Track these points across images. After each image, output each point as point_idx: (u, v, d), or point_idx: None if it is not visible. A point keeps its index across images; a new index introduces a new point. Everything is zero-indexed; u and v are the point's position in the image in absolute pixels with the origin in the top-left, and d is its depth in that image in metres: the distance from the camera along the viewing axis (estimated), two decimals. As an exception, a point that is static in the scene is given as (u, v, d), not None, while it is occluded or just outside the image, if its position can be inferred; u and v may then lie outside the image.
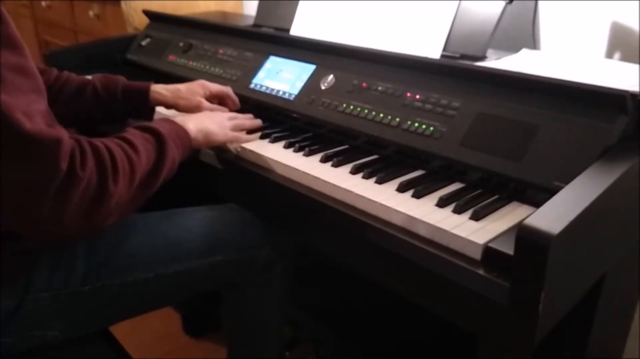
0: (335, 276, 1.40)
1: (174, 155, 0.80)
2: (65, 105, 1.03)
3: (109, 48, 1.58)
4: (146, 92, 1.07)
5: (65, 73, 1.09)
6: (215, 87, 1.09)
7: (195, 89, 1.07)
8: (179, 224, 0.93)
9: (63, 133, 0.63)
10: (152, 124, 0.81)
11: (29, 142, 0.60)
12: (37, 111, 0.63)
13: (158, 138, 0.79)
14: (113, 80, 1.08)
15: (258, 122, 1.04)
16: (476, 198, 0.75)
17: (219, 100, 1.11)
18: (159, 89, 1.07)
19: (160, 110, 1.11)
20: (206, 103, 1.05)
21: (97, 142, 0.69)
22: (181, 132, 0.85)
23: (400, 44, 1.06)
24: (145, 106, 1.07)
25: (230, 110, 1.08)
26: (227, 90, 1.11)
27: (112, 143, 0.71)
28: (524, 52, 1.06)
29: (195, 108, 1.04)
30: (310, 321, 1.41)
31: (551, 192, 0.63)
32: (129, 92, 1.07)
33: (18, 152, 0.60)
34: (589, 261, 0.68)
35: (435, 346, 1.21)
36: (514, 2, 0.99)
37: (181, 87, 1.08)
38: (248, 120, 1.03)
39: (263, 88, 1.13)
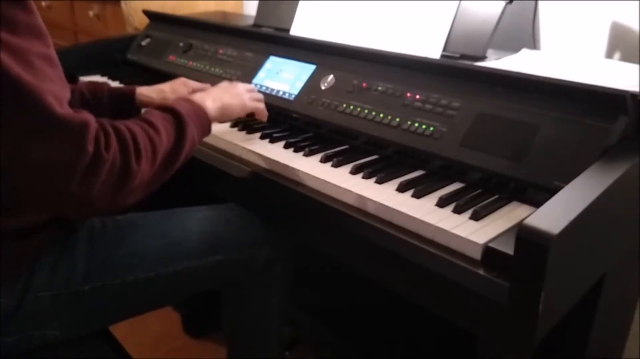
0: (335, 276, 1.40)
1: (193, 133, 0.82)
2: None
3: (109, 48, 1.58)
4: (132, 95, 1.11)
5: None
6: (196, 85, 1.15)
7: (178, 87, 1.13)
8: (179, 224, 0.93)
9: (90, 117, 0.66)
10: (172, 104, 0.83)
11: (59, 125, 0.62)
12: (65, 97, 0.65)
13: (177, 117, 0.80)
14: (99, 86, 1.12)
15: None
16: (476, 198, 0.75)
17: None
18: (145, 91, 1.12)
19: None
20: None
21: (120, 124, 0.71)
22: (199, 110, 0.86)
23: (400, 44, 1.06)
24: (131, 109, 1.11)
25: None
26: (207, 86, 1.13)
27: (134, 124, 0.73)
28: (524, 52, 1.06)
29: None
30: (310, 321, 1.41)
31: (551, 192, 0.63)
32: (115, 96, 1.11)
33: (49, 133, 0.62)
34: (589, 261, 0.68)
35: (435, 346, 1.21)
36: (514, 2, 0.99)
37: (164, 86, 1.13)
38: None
39: (263, 88, 1.13)
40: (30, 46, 0.62)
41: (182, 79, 1.15)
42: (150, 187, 0.75)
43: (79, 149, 0.63)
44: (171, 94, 1.11)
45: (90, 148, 0.64)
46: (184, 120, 0.80)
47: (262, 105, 1.01)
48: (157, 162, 0.74)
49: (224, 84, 1.00)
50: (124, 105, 1.11)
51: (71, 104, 0.67)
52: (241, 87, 1.00)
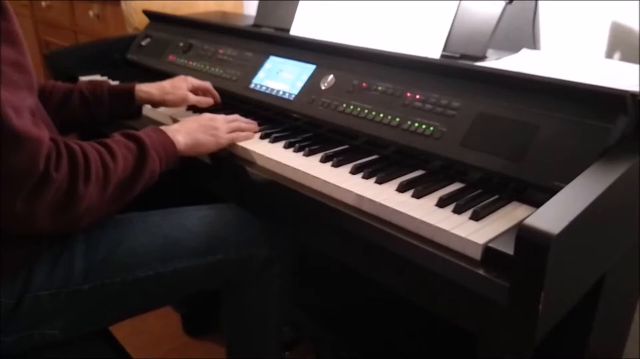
0: (335, 276, 1.40)
1: (154, 167, 0.81)
2: (54, 113, 1.03)
3: (109, 48, 1.58)
4: (131, 92, 1.10)
5: (51, 82, 1.12)
6: (196, 81, 1.15)
7: (179, 84, 1.13)
8: (179, 223, 0.93)
9: (45, 134, 0.65)
10: (139, 133, 0.83)
11: (15, 137, 0.61)
12: (27, 107, 0.65)
13: (140, 147, 0.79)
14: (98, 84, 1.12)
15: (255, 126, 1.04)
16: (476, 198, 0.75)
17: (203, 92, 1.17)
18: (145, 88, 1.11)
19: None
20: (192, 96, 1.12)
21: (75, 145, 0.71)
22: (168, 143, 0.86)
23: (400, 44, 1.06)
24: (131, 106, 1.11)
25: (213, 105, 1.15)
26: (207, 84, 1.16)
27: (90, 147, 0.73)
28: (524, 52, 1.06)
29: (182, 102, 1.11)
30: (310, 321, 1.41)
31: (551, 192, 0.63)
32: (115, 93, 1.11)
33: (4, 145, 0.61)
34: (589, 261, 0.68)
35: (436, 346, 1.21)
36: (514, 2, 0.99)
37: (165, 83, 1.13)
38: (245, 123, 1.03)
39: (263, 88, 1.13)
40: (1, 53, 0.62)
41: (182, 76, 1.15)
42: (102, 213, 0.75)
43: (30, 165, 0.63)
44: (172, 89, 1.11)
45: (41, 166, 0.63)
46: (146, 151, 0.79)
47: (240, 134, 0.99)
48: (108, 189, 0.73)
49: (204, 117, 0.97)
50: (124, 103, 1.11)
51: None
52: (220, 120, 0.97)
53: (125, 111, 1.12)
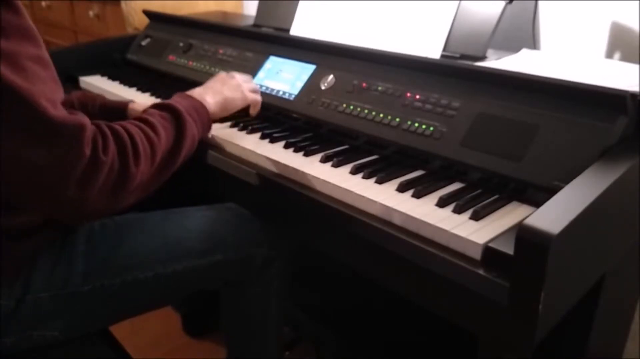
0: (335, 276, 1.40)
1: (193, 131, 0.81)
2: None
3: (109, 48, 1.58)
4: (124, 109, 1.08)
5: None
6: None
7: None
8: (178, 223, 0.93)
9: (85, 119, 0.65)
10: (170, 101, 0.82)
11: (54, 128, 0.61)
12: (58, 99, 0.65)
13: (176, 115, 0.79)
14: (91, 98, 1.10)
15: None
16: (476, 198, 0.75)
17: None
18: (139, 107, 1.07)
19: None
20: None
21: (117, 125, 0.71)
22: (199, 106, 0.86)
23: (400, 44, 1.06)
24: None
25: None
26: None
27: (131, 125, 0.73)
28: (524, 52, 1.06)
29: None
30: (310, 321, 1.41)
31: (551, 192, 0.63)
32: (107, 110, 1.09)
33: (44, 137, 0.61)
34: (589, 261, 0.68)
35: (436, 346, 1.21)
36: (514, 2, 0.99)
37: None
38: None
39: (263, 88, 1.13)
40: (21, 49, 0.62)
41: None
42: (150, 187, 0.75)
43: (75, 152, 0.62)
44: None
45: (87, 151, 0.63)
46: (183, 118, 0.79)
47: (259, 97, 1.01)
48: (156, 162, 0.73)
49: (222, 76, 0.99)
50: (116, 120, 1.08)
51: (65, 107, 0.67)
52: (239, 78, 1.00)
53: None
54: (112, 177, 0.66)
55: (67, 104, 1.05)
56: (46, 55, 0.66)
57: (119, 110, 1.08)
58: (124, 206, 0.72)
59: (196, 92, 0.90)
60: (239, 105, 0.95)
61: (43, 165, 0.61)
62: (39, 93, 0.61)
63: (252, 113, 1.02)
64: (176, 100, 0.83)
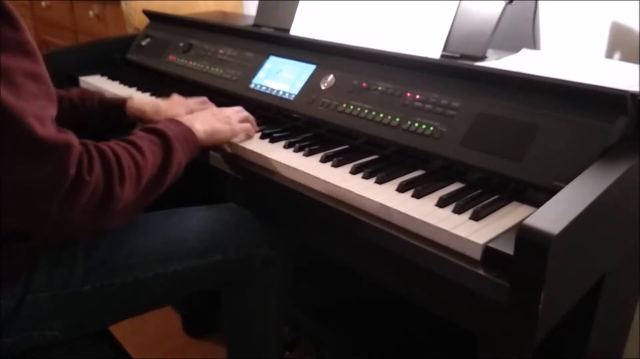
0: (336, 276, 1.40)
1: (180, 157, 0.81)
2: None
3: (109, 48, 1.58)
4: (122, 106, 1.07)
5: None
6: (196, 105, 1.08)
7: (176, 108, 1.06)
8: (179, 224, 0.93)
9: (73, 139, 0.65)
10: (159, 126, 0.82)
11: (41, 146, 0.61)
12: (49, 116, 0.64)
13: (164, 140, 0.80)
14: (89, 94, 1.10)
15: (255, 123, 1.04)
16: (476, 198, 0.75)
17: None
18: (138, 104, 1.07)
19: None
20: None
21: (104, 146, 0.70)
22: (188, 133, 0.86)
23: (400, 44, 1.06)
24: (122, 120, 1.08)
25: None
26: (205, 101, 1.11)
27: (118, 147, 0.72)
28: (524, 52, 1.06)
29: None
30: (310, 321, 1.41)
31: (551, 192, 0.63)
32: (106, 106, 1.08)
33: (29, 155, 0.61)
34: (589, 261, 0.68)
35: (436, 345, 1.21)
36: (514, 2, 0.99)
37: (161, 103, 1.08)
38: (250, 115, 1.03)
39: (263, 88, 1.13)
40: (16, 64, 0.61)
41: (182, 100, 1.09)
42: (134, 211, 0.75)
43: (60, 171, 0.62)
44: (166, 112, 1.05)
45: (73, 171, 0.63)
46: (171, 144, 0.79)
47: (249, 126, 1.00)
48: (141, 186, 0.73)
49: (213, 109, 0.99)
50: (115, 116, 1.08)
51: (60, 116, 0.66)
52: (229, 111, 0.99)
53: (115, 124, 1.09)
54: (95, 197, 0.66)
55: (67, 102, 1.06)
56: (42, 70, 0.65)
57: (117, 106, 1.08)
58: (110, 228, 0.72)
59: (186, 119, 0.89)
60: (227, 137, 0.95)
61: (28, 182, 0.61)
62: (28, 111, 0.60)
63: (251, 135, 1.01)
64: (166, 126, 0.83)
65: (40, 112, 0.62)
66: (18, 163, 0.61)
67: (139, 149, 0.75)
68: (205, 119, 0.92)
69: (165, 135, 0.80)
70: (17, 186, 0.62)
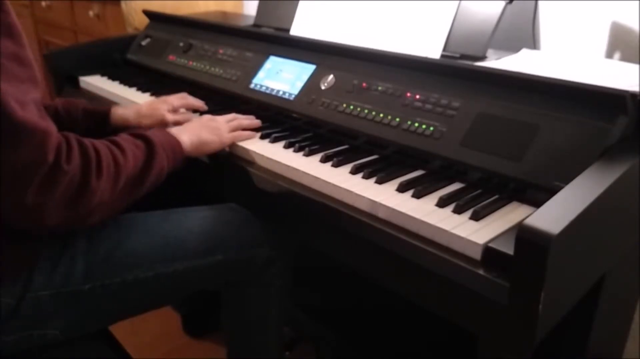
0: (336, 276, 1.40)
1: (162, 164, 0.82)
2: None
3: (109, 48, 1.58)
4: (106, 114, 1.08)
5: None
6: (177, 101, 1.10)
7: (157, 106, 1.08)
8: (179, 223, 0.93)
9: (52, 127, 0.65)
10: (146, 132, 0.84)
11: (19, 130, 0.61)
12: (31, 100, 0.64)
13: (148, 145, 0.80)
14: (74, 104, 1.10)
15: (257, 122, 1.04)
16: (476, 198, 0.75)
17: (186, 108, 1.13)
18: (121, 112, 1.08)
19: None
20: (169, 117, 1.07)
21: (86, 140, 0.71)
22: (174, 142, 0.87)
23: (400, 44, 1.06)
24: (107, 129, 1.08)
25: (212, 106, 1.12)
26: (185, 96, 1.12)
27: (100, 144, 0.73)
28: (524, 52, 1.06)
29: (159, 124, 1.06)
30: (310, 321, 1.41)
31: (551, 192, 0.63)
32: (90, 115, 1.09)
33: (8, 138, 0.61)
34: (589, 261, 0.68)
35: (435, 345, 1.21)
36: (514, 2, 0.99)
37: (143, 106, 1.09)
38: (246, 119, 1.04)
39: (263, 88, 1.13)
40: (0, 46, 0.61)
41: (162, 98, 1.11)
42: (111, 210, 0.75)
43: (38, 157, 0.62)
44: (149, 113, 1.07)
45: (50, 157, 0.63)
46: (154, 149, 0.80)
47: (242, 133, 1.00)
48: (119, 184, 0.73)
49: (204, 118, 0.99)
50: (99, 125, 1.08)
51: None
52: (220, 120, 0.99)
53: (100, 133, 1.07)
54: (71, 188, 0.66)
55: (51, 111, 1.05)
56: (27, 53, 0.65)
57: (102, 113, 1.09)
58: (85, 223, 0.72)
59: (174, 130, 0.91)
60: (215, 148, 0.95)
61: (6, 167, 0.61)
62: (9, 93, 0.60)
63: (247, 138, 1.00)
64: (152, 133, 0.84)
65: (21, 96, 0.62)
66: None
67: (120, 148, 0.75)
68: (194, 130, 0.93)
69: (149, 140, 0.81)
70: None
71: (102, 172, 0.70)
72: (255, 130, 1.03)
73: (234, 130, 0.99)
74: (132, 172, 0.76)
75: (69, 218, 0.68)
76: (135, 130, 0.84)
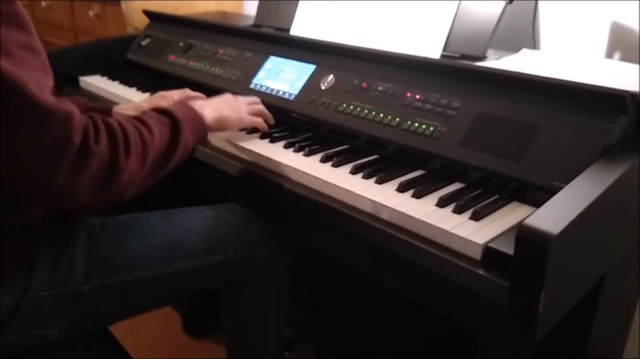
0: (336, 276, 1.40)
1: (188, 138, 0.82)
2: None
3: (109, 48, 1.58)
4: (108, 113, 1.07)
5: None
6: (177, 95, 1.09)
7: (157, 102, 1.07)
8: (179, 224, 0.93)
9: (74, 109, 0.65)
10: (169, 107, 0.84)
11: (43, 113, 0.61)
12: (47, 86, 0.65)
13: (173, 121, 0.81)
14: (75, 101, 1.08)
15: (271, 118, 1.05)
16: (476, 198, 0.75)
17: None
18: (122, 110, 1.08)
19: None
20: None
21: (112, 120, 0.71)
22: (197, 117, 0.87)
23: (400, 44, 1.06)
24: None
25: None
26: (186, 90, 1.11)
27: (127, 122, 0.73)
28: (524, 52, 1.06)
29: None
30: (310, 321, 1.41)
31: (551, 192, 0.63)
32: (91, 112, 1.07)
33: (33, 122, 0.61)
34: (589, 261, 0.68)
35: (435, 345, 1.21)
36: (514, 2, 0.99)
37: (143, 103, 1.09)
38: (267, 111, 1.04)
39: (263, 88, 1.13)
40: (9, 36, 0.61)
41: (162, 93, 1.10)
42: (141, 187, 0.75)
43: (64, 140, 0.63)
44: (149, 108, 1.05)
45: (77, 139, 0.63)
46: (179, 124, 0.80)
47: (260, 119, 1.00)
48: (147, 162, 0.74)
49: (226, 96, 1.00)
50: None
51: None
52: (242, 100, 1.00)
53: None
54: (102, 168, 0.67)
55: None
56: (36, 42, 0.65)
57: (104, 111, 1.07)
58: (117, 201, 0.73)
59: (196, 104, 0.91)
60: (234, 125, 0.96)
61: (33, 152, 0.62)
62: (28, 79, 0.61)
63: (261, 130, 1.01)
64: (176, 108, 0.85)
65: (39, 82, 0.62)
66: (23, 131, 0.61)
67: (146, 125, 0.76)
68: (216, 106, 0.94)
69: (174, 116, 0.81)
70: (25, 153, 0.62)
71: (131, 150, 0.71)
72: (256, 130, 1.03)
73: (255, 114, 1.00)
74: (159, 149, 0.76)
75: (102, 197, 0.69)
76: (159, 106, 0.84)
